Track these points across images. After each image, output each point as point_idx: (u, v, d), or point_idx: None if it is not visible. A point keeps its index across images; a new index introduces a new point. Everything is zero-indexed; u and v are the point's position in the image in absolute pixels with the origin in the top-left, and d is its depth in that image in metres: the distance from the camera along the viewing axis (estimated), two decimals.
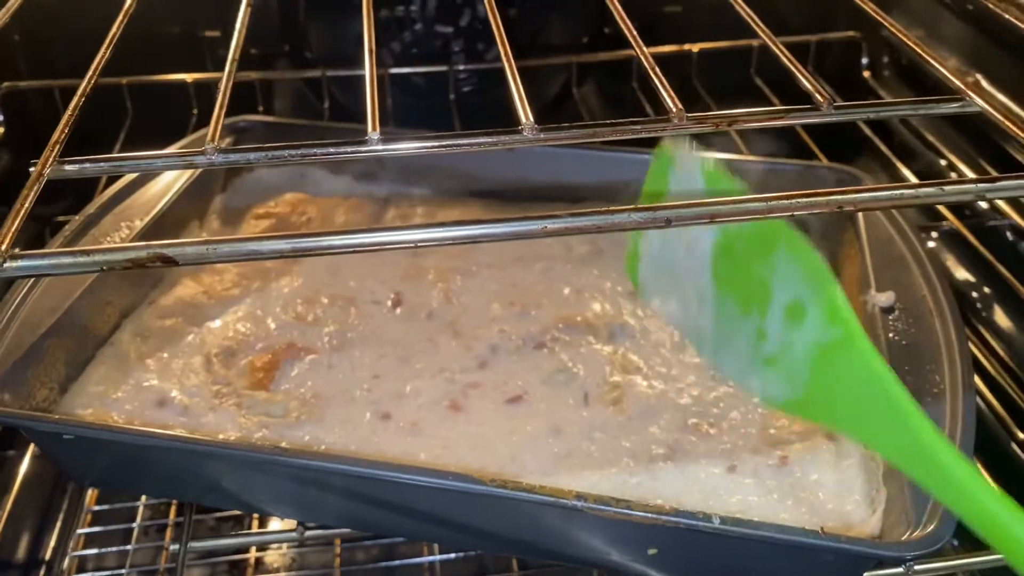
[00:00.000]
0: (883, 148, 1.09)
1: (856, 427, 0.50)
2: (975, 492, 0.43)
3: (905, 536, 0.55)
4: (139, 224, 0.79)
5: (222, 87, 0.52)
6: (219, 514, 0.88)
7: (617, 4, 0.60)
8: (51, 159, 0.46)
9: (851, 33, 1.25)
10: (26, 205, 0.44)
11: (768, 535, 0.54)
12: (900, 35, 0.57)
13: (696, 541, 0.58)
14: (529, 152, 0.89)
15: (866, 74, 1.25)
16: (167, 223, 0.82)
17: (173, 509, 0.86)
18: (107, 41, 0.57)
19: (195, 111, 1.14)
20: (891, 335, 0.68)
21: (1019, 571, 0.42)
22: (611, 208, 0.44)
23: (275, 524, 0.88)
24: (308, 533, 0.69)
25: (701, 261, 0.56)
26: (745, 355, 0.54)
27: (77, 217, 0.78)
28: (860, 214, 0.79)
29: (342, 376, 0.73)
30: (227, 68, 0.53)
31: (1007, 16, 0.59)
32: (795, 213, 0.44)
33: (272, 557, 0.89)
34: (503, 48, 0.53)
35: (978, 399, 0.83)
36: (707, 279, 0.56)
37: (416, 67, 1.20)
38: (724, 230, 0.55)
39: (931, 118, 1.11)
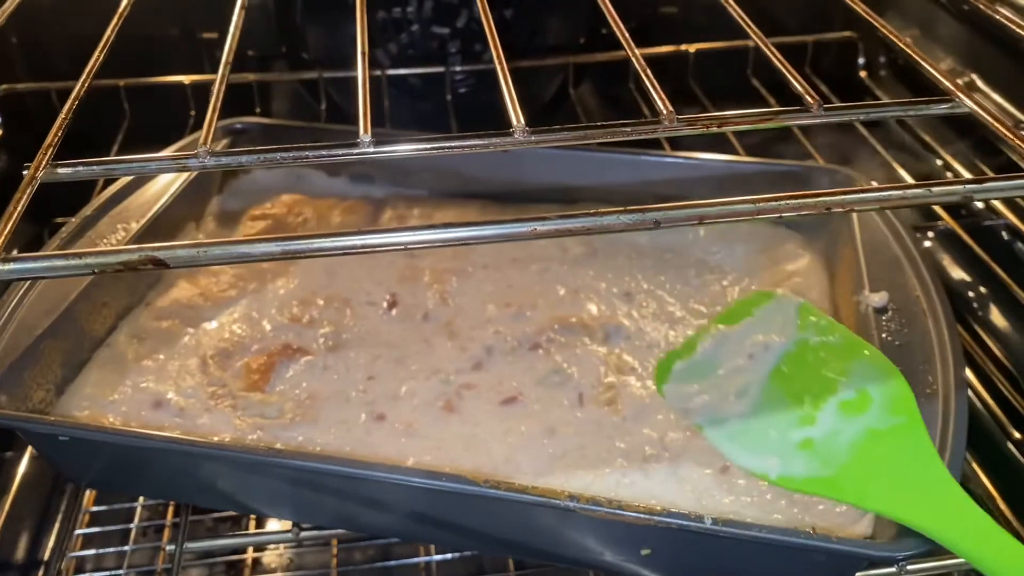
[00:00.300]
0: (880, 149, 1.10)
1: (889, 503, 0.54)
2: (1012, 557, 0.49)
3: (897, 536, 0.55)
4: (135, 226, 0.79)
5: (215, 89, 0.52)
6: (216, 515, 0.88)
7: (610, 5, 0.60)
8: (44, 162, 0.46)
9: (847, 34, 1.25)
10: (19, 208, 0.44)
11: (760, 535, 0.55)
12: (892, 36, 0.57)
13: (689, 541, 0.58)
14: (525, 154, 0.89)
15: (862, 74, 1.25)
16: (163, 225, 0.82)
17: (171, 510, 0.86)
18: (101, 44, 0.57)
19: (192, 112, 1.15)
20: (884, 335, 0.68)
21: None
22: (601, 210, 0.44)
23: (272, 525, 0.88)
24: (304, 534, 0.70)
25: (764, 365, 0.60)
26: (772, 441, 0.58)
27: (74, 219, 0.78)
28: (854, 215, 0.79)
29: (337, 377, 0.73)
30: (220, 71, 0.53)
31: (997, 17, 0.59)
32: (784, 214, 0.45)
33: (269, 558, 0.89)
34: (495, 50, 0.54)
35: (973, 398, 0.83)
36: (760, 378, 0.60)
37: (413, 68, 1.20)
38: (800, 343, 0.61)
39: (928, 120, 1.11)
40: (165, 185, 0.85)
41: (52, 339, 0.70)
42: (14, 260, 0.42)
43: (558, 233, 0.44)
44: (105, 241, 0.77)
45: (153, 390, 0.71)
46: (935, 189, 0.45)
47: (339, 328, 0.78)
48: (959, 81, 0.64)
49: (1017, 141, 0.47)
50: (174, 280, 0.82)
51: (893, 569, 0.64)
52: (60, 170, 0.47)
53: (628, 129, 0.49)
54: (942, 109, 0.51)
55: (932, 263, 0.78)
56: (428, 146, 0.48)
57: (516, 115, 0.48)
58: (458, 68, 1.21)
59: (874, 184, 0.74)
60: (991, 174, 0.82)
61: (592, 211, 0.44)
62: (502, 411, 0.70)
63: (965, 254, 0.97)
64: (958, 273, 0.98)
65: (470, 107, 1.21)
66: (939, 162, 1.08)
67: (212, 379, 0.72)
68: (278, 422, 0.68)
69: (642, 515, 0.55)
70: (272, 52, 1.22)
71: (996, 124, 0.48)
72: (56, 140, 0.48)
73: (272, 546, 0.88)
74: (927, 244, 1.01)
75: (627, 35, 0.56)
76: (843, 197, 0.45)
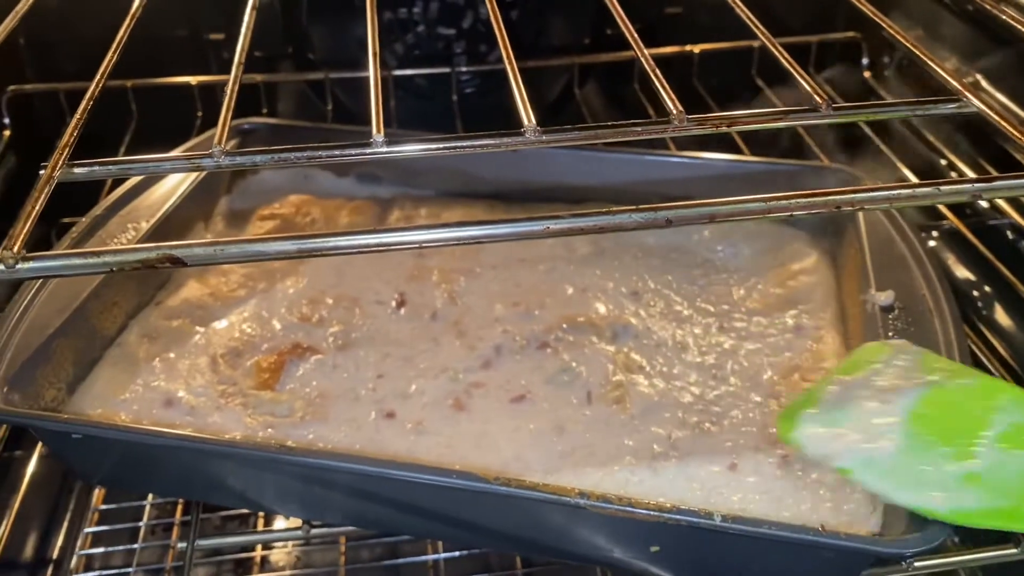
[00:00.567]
0: (884, 149, 1.10)
1: None
2: None
3: (905, 533, 0.55)
4: (145, 226, 0.80)
5: (228, 89, 0.52)
6: (224, 513, 0.89)
7: (618, 6, 0.60)
8: (61, 162, 0.47)
9: (851, 34, 1.26)
10: (36, 207, 0.44)
11: (768, 532, 0.55)
12: (898, 36, 0.57)
13: (698, 538, 0.58)
14: (532, 154, 0.89)
15: (867, 74, 1.25)
16: (173, 225, 0.82)
17: (179, 509, 0.86)
18: (115, 44, 0.57)
19: (200, 113, 1.15)
20: (891, 334, 0.69)
21: None
22: (613, 208, 0.44)
23: (281, 523, 0.89)
24: (313, 531, 0.70)
25: (898, 408, 0.58)
26: (931, 477, 0.56)
27: (84, 219, 0.79)
28: (860, 214, 0.80)
29: (347, 376, 0.73)
30: (233, 70, 0.54)
31: (1004, 17, 0.59)
32: (794, 213, 0.45)
33: (277, 555, 0.89)
34: (505, 50, 0.54)
35: None
36: (898, 420, 0.57)
37: (419, 69, 1.21)
38: (934, 386, 0.59)
39: (932, 119, 1.12)
40: (173, 186, 0.85)
41: (64, 338, 0.70)
42: (33, 259, 0.42)
43: (571, 232, 0.44)
44: (115, 241, 0.77)
45: (164, 389, 0.71)
46: (944, 188, 0.45)
47: (348, 327, 0.78)
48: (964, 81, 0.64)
49: None
50: (184, 280, 0.82)
51: (901, 566, 0.64)
52: (76, 170, 0.47)
53: (639, 128, 0.49)
54: (949, 108, 0.51)
55: (938, 262, 0.78)
56: (440, 145, 0.48)
57: (527, 114, 0.48)
58: (464, 69, 1.21)
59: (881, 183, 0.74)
60: (994, 173, 0.82)
61: (604, 210, 0.44)
62: (511, 409, 0.70)
63: (970, 253, 0.98)
64: (963, 272, 0.99)
65: (476, 108, 1.22)
66: (943, 162, 1.08)
67: (222, 378, 0.72)
68: (288, 420, 0.69)
69: (652, 512, 0.55)
70: (278, 53, 1.23)
71: (1004, 123, 0.48)
72: (72, 140, 0.48)
73: (280, 544, 0.89)
74: (932, 243, 1.01)
75: (635, 35, 0.56)
76: (853, 196, 0.45)
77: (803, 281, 0.82)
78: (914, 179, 1.05)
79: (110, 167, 0.48)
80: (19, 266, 0.42)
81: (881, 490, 0.57)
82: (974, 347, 0.88)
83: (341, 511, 0.68)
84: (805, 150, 1.10)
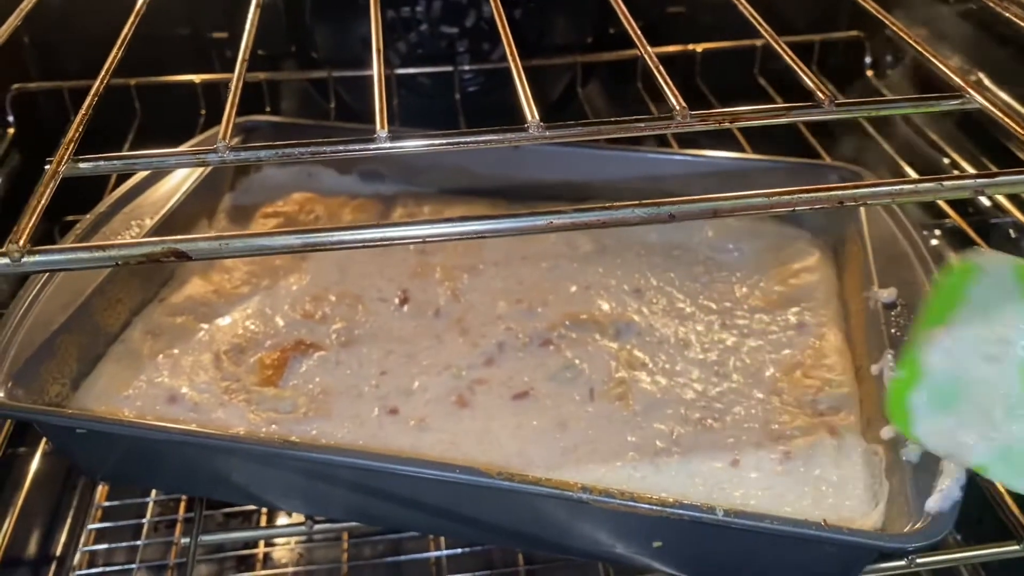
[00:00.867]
0: (886, 147, 1.10)
1: None
2: None
3: (907, 529, 0.55)
4: (149, 222, 0.80)
5: (233, 86, 0.52)
6: (227, 509, 0.89)
7: (621, 4, 0.61)
8: (66, 157, 0.47)
9: (854, 32, 1.26)
10: (42, 202, 0.44)
11: (771, 527, 0.55)
12: (902, 33, 0.57)
13: (700, 533, 0.58)
14: (534, 151, 0.89)
15: (869, 73, 1.25)
16: (176, 221, 0.83)
17: (182, 505, 0.87)
18: (119, 41, 0.58)
19: (203, 111, 1.15)
20: (893, 331, 0.69)
21: None
22: (615, 204, 0.44)
23: (284, 519, 0.89)
24: (316, 528, 0.70)
25: (1013, 363, 0.51)
26: None
27: (88, 215, 0.79)
28: (863, 211, 0.80)
29: (350, 372, 0.74)
30: (237, 67, 0.54)
31: (1007, 14, 0.59)
32: (797, 208, 0.45)
33: (280, 552, 0.90)
34: (509, 48, 0.54)
35: None
36: (1016, 380, 0.51)
37: (422, 67, 1.21)
38: None
39: (934, 117, 1.12)
40: (177, 183, 0.85)
41: (68, 334, 0.70)
42: (39, 252, 0.42)
43: (574, 226, 0.44)
44: (120, 237, 0.77)
45: (167, 385, 0.72)
46: (946, 183, 0.45)
47: (351, 324, 0.78)
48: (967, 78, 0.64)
49: None
50: (188, 277, 0.82)
51: (903, 562, 0.64)
52: (81, 165, 0.47)
53: (642, 124, 0.49)
54: (952, 105, 0.51)
55: (940, 260, 0.78)
56: (444, 141, 0.49)
57: (531, 110, 0.49)
58: (467, 67, 1.21)
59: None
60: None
61: (607, 205, 0.44)
62: (514, 406, 0.70)
63: None
64: None
65: (479, 106, 1.22)
66: (946, 161, 1.08)
67: (226, 374, 0.73)
68: (292, 416, 0.69)
69: (655, 507, 0.55)
70: (281, 51, 1.23)
71: (1007, 120, 0.48)
72: (77, 135, 0.48)
73: (283, 540, 0.89)
74: (935, 242, 1.01)
75: (639, 33, 0.56)
76: (855, 191, 0.45)
77: (805, 279, 0.82)
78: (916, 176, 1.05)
79: (115, 162, 0.48)
80: (25, 260, 0.42)
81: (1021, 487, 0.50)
82: None
83: (344, 507, 0.68)
84: (808, 149, 1.10)
